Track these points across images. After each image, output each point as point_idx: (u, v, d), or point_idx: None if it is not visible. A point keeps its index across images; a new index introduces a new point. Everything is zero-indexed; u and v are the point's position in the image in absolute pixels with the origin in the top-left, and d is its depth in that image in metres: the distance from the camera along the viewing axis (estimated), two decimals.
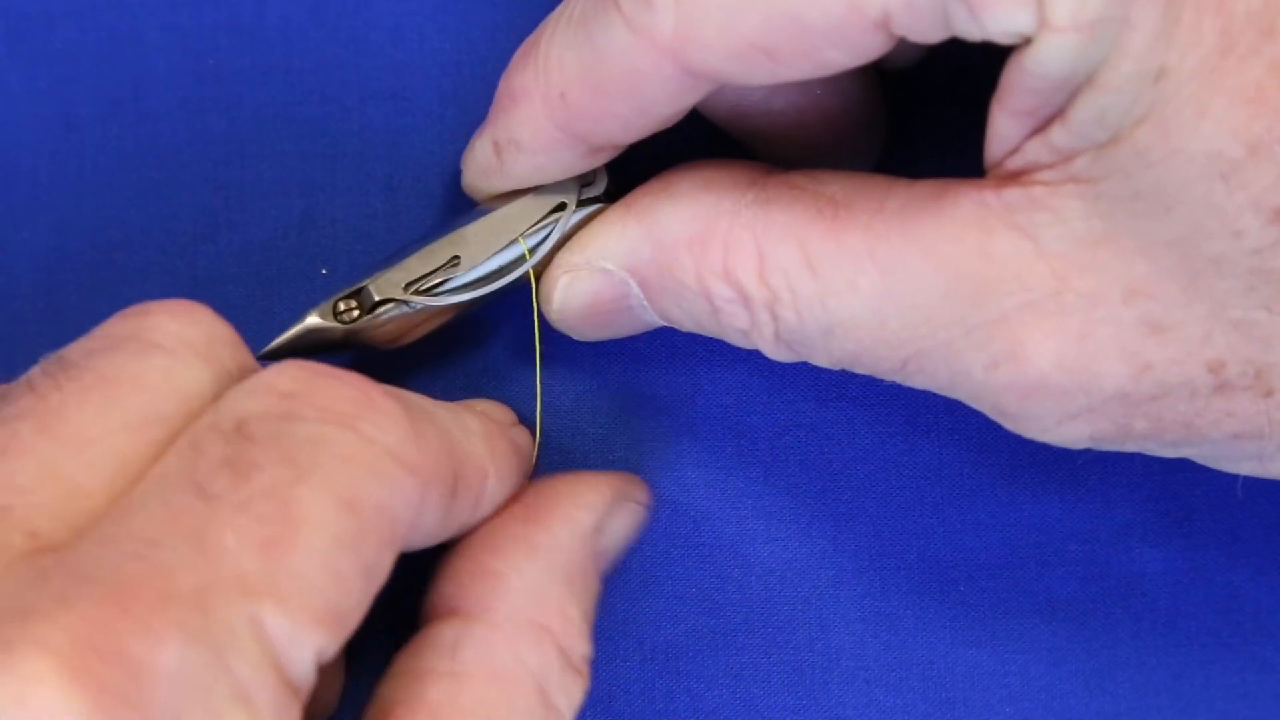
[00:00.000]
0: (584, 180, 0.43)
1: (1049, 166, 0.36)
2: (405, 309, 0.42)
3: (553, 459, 0.46)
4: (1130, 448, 0.39)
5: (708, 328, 0.42)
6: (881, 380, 0.46)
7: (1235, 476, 0.46)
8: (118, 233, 0.45)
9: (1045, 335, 0.37)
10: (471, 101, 0.46)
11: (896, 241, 0.38)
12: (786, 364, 0.46)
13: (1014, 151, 0.37)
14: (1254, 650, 0.46)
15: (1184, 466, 0.46)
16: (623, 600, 0.45)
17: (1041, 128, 0.36)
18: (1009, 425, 0.39)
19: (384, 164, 0.46)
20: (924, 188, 0.38)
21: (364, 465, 0.34)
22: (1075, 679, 0.46)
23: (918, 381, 0.39)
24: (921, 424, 0.46)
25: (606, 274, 0.42)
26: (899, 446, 0.46)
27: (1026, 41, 0.35)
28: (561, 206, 0.43)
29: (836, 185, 0.39)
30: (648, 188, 0.42)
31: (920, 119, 0.46)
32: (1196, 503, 0.46)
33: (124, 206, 0.46)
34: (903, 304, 0.38)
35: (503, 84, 0.41)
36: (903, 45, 0.44)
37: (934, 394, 0.46)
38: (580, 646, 0.39)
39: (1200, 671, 0.46)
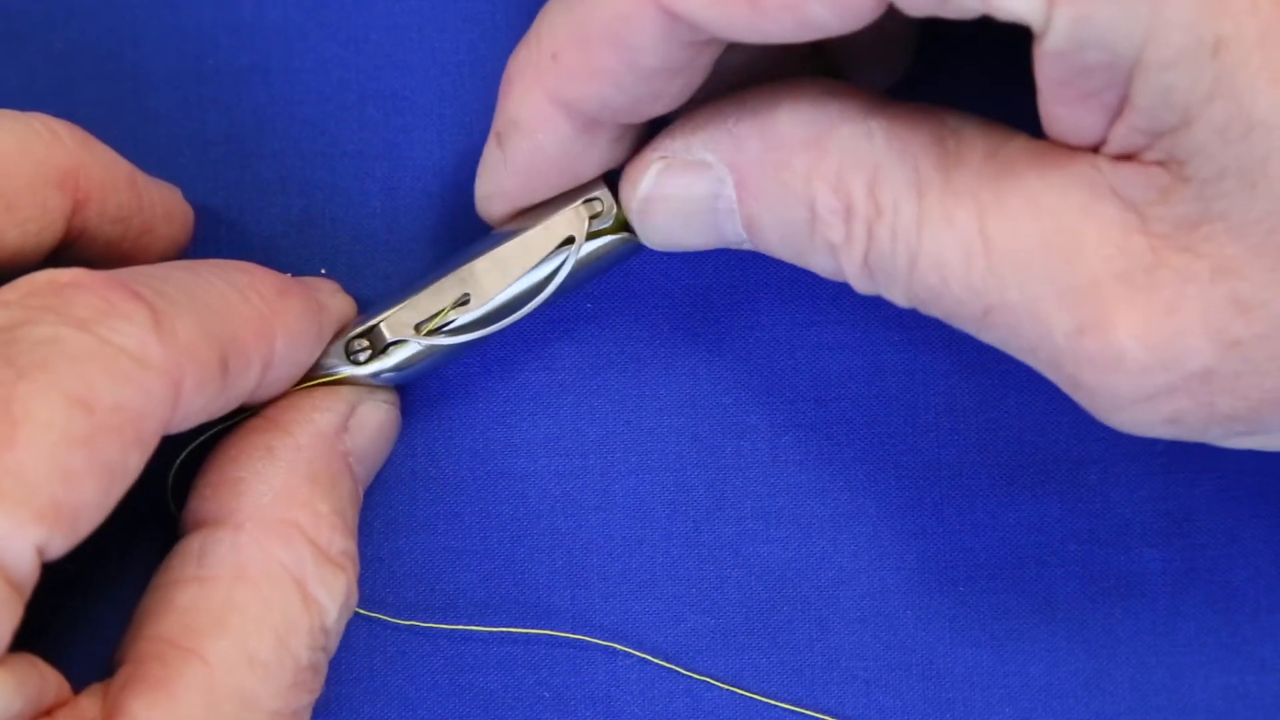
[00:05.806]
0: (592, 212, 0.43)
1: (1145, 148, 0.36)
2: (415, 348, 0.43)
3: (553, 460, 0.46)
4: (1212, 435, 0.38)
5: (794, 242, 0.40)
6: (881, 381, 0.46)
7: (1234, 476, 0.46)
8: None
9: (1133, 308, 0.36)
10: (471, 101, 0.46)
11: (1004, 185, 0.37)
12: (785, 364, 0.46)
13: (1102, 142, 0.36)
14: (1254, 650, 0.46)
15: (1184, 466, 0.46)
16: (623, 600, 0.45)
17: (1115, 117, 0.36)
18: (1084, 402, 0.38)
19: (384, 164, 0.46)
20: (1043, 143, 0.38)
21: (98, 365, 0.35)
22: (1075, 679, 0.46)
23: (994, 336, 0.38)
24: (921, 424, 0.46)
25: (703, 166, 0.41)
26: (899, 446, 0.46)
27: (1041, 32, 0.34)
28: (570, 240, 0.43)
29: (961, 123, 0.39)
30: (765, 87, 0.41)
31: None
32: (1196, 503, 0.46)
33: None
34: (995, 248, 0.37)
35: (504, 73, 0.41)
36: (886, 42, 0.43)
37: (932, 394, 0.46)
38: (337, 540, 0.40)
39: (1200, 671, 0.46)
